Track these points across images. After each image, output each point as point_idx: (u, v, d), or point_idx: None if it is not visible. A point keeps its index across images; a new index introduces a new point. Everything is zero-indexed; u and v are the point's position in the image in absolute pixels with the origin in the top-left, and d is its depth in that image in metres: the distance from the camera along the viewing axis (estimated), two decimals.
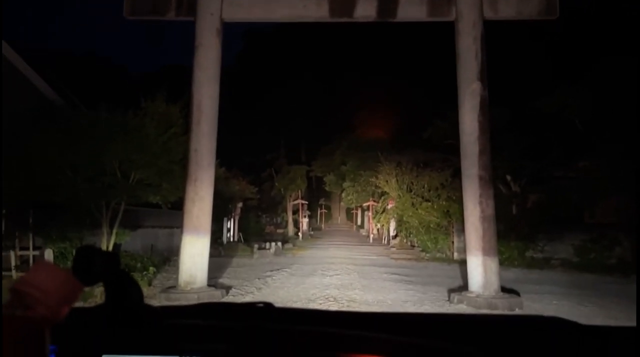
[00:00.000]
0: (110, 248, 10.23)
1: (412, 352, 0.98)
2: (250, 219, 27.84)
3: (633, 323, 6.00)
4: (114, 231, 10.41)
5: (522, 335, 1.19)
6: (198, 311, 1.24)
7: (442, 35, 11.21)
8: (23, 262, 9.67)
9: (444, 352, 0.99)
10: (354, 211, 45.98)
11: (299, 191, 37.45)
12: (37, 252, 9.79)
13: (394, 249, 21.31)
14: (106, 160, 9.89)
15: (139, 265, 11.30)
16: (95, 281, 0.89)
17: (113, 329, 0.92)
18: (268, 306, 1.25)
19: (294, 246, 24.66)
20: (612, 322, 7.44)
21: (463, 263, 10.26)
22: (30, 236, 10.01)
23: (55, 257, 9.65)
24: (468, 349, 1.01)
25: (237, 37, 49.39)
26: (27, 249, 9.83)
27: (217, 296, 9.15)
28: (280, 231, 33.89)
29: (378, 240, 29.63)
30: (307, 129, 42.29)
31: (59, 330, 0.83)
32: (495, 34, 10.77)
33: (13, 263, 9.35)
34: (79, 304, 0.90)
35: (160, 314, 0.95)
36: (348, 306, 8.64)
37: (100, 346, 0.93)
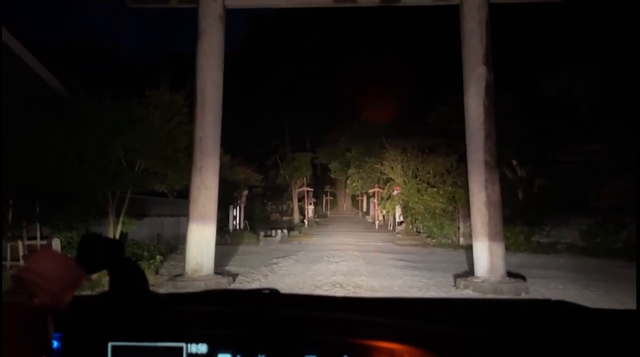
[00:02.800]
0: (117, 237, 10.27)
1: (420, 336, 0.97)
2: (255, 207, 27.90)
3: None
4: (121, 220, 10.44)
5: (529, 319, 1.19)
6: (204, 297, 1.24)
7: (448, 19, 11.10)
8: (31, 252, 9.72)
9: (451, 336, 0.99)
10: (360, 198, 45.96)
11: (304, 178, 37.45)
12: (44, 242, 9.84)
13: (400, 235, 21.32)
14: (111, 149, 9.90)
15: (145, 253, 11.35)
16: (99, 268, 0.89)
17: (118, 316, 0.92)
18: (273, 292, 1.24)
19: (299, 233, 24.72)
20: (617, 306, 7.42)
21: (469, 248, 10.25)
22: (38, 225, 10.06)
23: (62, 246, 9.70)
24: (476, 332, 1.01)
25: (241, 23, 49.13)
26: (35, 238, 9.89)
27: (223, 283, 9.19)
28: (286, 218, 33.97)
29: (384, 226, 29.65)
30: (312, 115, 42.18)
31: (64, 317, 0.82)
32: (500, 16, 10.66)
33: (21, 253, 9.41)
34: (85, 292, 0.90)
35: (166, 301, 0.95)
36: (354, 292, 8.67)
37: (106, 333, 0.93)
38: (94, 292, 0.98)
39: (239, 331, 0.94)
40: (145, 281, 0.94)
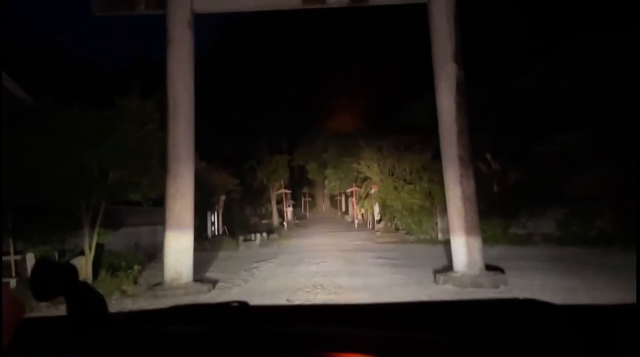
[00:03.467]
0: (93, 248, 10.10)
1: (395, 346, 0.97)
2: (234, 212, 27.71)
3: (616, 293, 6.09)
4: (96, 231, 10.28)
5: (499, 319, 1.19)
6: (169, 315, 1.21)
7: (419, 17, 11.17)
8: (5, 267, 9.51)
9: (427, 344, 0.98)
10: (338, 198, 46.09)
11: (282, 181, 37.38)
12: (18, 257, 9.64)
13: (379, 233, 21.41)
14: (82, 160, 9.73)
15: (123, 263, 11.19)
16: (54, 294, 0.87)
17: (77, 342, 0.89)
18: (243, 305, 1.22)
19: (279, 235, 24.63)
20: (594, 293, 7.58)
21: (448, 243, 10.33)
22: (11, 240, 9.84)
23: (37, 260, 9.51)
24: (450, 339, 1.00)
25: (212, 27, 48.81)
26: (8, 254, 9.67)
27: (203, 290, 9.12)
28: (265, 221, 33.84)
29: (363, 225, 29.73)
30: (287, 118, 42.09)
31: (20, 343, 0.80)
32: (473, 12, 10.79)
33: None
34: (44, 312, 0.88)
35: (127, 322, 0.93)
36: (335, 292, 8.67)
37: None
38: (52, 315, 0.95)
39: (205, 350, 0.92)
40: (103, 303, 0.91)
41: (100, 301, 0.91)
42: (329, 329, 1.02)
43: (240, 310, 1.20)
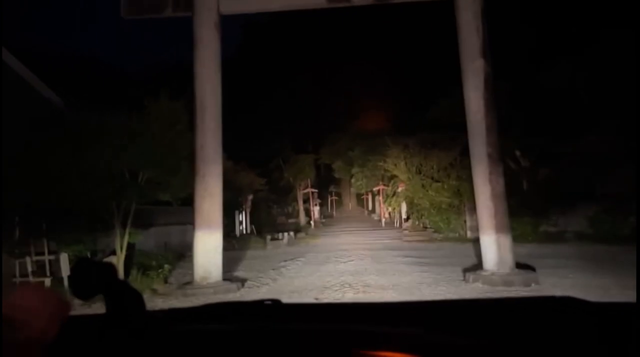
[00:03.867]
0: (124, 248, 10.28)
1: (425, 347, 0.96)
2: (261, 211, 27.88)
3: None
4: (127, 231, 10.46)
5: (535, 317, 1.17)
6: (204, 312, 1.23)
7: (444, 13, 11.06)
8: (39, 267, 9.75)
9: (463, 345, 0.97)
10: (364, 196, 45.91)
11: (308, 180, 37.44)
12: (52, 257, 9.86)
13: (407, 231, 21.28)
14: (113, 163, 9.90)
15: (153, 263, 11.37)
16: (94, 293, 0.88)
17: (115, 341, 0.91)
18: (276, 303, 1.23)
19: (306, 234, 24.71)
20: (629, 292, 7.39)
21: (477, 242, 10.22)
22: (45, 241, 10.08)
23: (70, 260, 9.71)
24: (486, 341, 0.99)
25: (238, 29, 49.18)
26: (43, 254, 9.91)
27: (232, 289, 9.20)
28: (292, 220, 33.92)
29: (390, 224, 29.60)
30: (312, 117, 42.16)
31: (60, 343, 0.81)
32: (500, 8, 10.65)
33: (29, 269, 9.43)
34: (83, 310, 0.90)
35: (164, 321, 0.94)
36: (364, 291, 8.66)
37: None
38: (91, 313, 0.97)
39: (240, 349, 0.92)
40: (141, 302, 0.93)
41: (138, 300, 0.92)
42: (363, 327, 1.02)
43: (274, 308, 1.20)
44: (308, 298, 8.25)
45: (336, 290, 8.83)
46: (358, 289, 8.87)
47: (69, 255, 9.88)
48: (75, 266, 0.91)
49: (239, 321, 1.11)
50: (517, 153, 18.65)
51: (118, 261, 10.04)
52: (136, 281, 9.65)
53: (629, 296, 7.18)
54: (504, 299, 1.94)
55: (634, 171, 15.29)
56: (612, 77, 14.18)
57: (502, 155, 9.63)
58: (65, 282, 9.13)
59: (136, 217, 10.93)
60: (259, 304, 1.23)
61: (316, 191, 39.46)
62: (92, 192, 9.66)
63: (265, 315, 1.20)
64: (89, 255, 10.54)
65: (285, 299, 1.32)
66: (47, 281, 9.24)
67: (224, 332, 0.98)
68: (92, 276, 0.88)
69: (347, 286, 9.18)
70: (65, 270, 9.23)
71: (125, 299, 0.91)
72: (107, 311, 0.91)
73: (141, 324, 0.91)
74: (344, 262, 12.46)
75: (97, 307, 0.95)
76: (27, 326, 0.75)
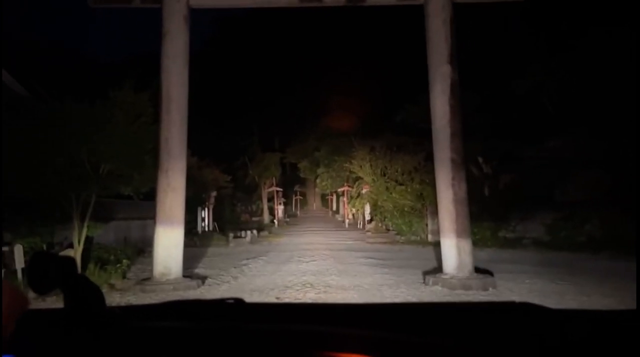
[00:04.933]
0: (82, 241, 10.04)
1: (391, 347, 0.96)
2: (225, 208, 27.67)
3: (605, 299, 6.12)
4: (86, 224, 10.20)
5: (494, 322, 1.19)
6: (165, 309, 1.20)
7: (414, 19, 11.19)
8: None
9: (423, 346, 0.98)
10: (329, 197, 46.08)
11: (274, 178, 37.37)
12: (6, 248, 9.54)
13: (370, 233, 21.43)
14: (74, 152, 9.66)
15: (112, 257, 11.13)
16: (52, 287, 0.86)
17: (74, 336, 0.88)
18: (239, 302, 1.22)
19: (269, 233, 24.63)
20: (583, 298, 7.62)
21: (438, 245, 10.36)
22: None
23: (25, 252, 9.42)
24: (446, 342, 1.00)
25: (208, 22, 48.66)
26: None
27: (192, 286, 9.09)
28: (255, 218, 33.79)
29: (353, 225, 29.76)
30: (280, 115, 42.07)
31: (17, 337, 0.79)
32: (468, 16, 10.83)
33: None
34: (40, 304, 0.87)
35: (123, 317, 0.92)
36: (325, 291, 8.67)
37: (62, 354, 0.89)
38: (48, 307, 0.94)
39: (201, 348, 0.91)
40: (101, 297, 0.90)
41: (98, 295, 0.90)
42: (325, 329, 1.02)
43: (236, 307, 1.19)
44: (269, 297, 8.22)
45: (298, 290, 8.82)
46: (319, 289, 8.87)
47: (23, 247, 9.59)
48: (32, 258, 0.88)
49: (200, 319, 1.09)
50: (480, 159, 19.00)
51: (75, 254, 9.78)
52: (93, 275, 9.42)
53: (583, 302, 7.40)
54: (464, 303, 1.97)
55: (589, 180, 15.82)
56: (580, 83, 14.58)
57: (465, 161, 9.79)
58: (19, 275, 8.86)
59: (96, 210, 10.69)
60: (221, 302, 1.22)
61: (281, 190, 39.41)
62: (51, 181, 9.40)
63: (227, 314, 1.19)
64: (44, 247, 10.25)
65: (246, 298, 1.31)
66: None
67: (185, 329, 0.97)
68: (50, 270, 0.85)
69: (308, 285, 9.17)
70: (19, 262, 8.95)
71: (84, 294, 0.88)
72: (66, 306, 0.88)
73: (101, 320, 0.88)
74: (306, 262, 12.46)
75: (52, 301, 0.93)
76: None
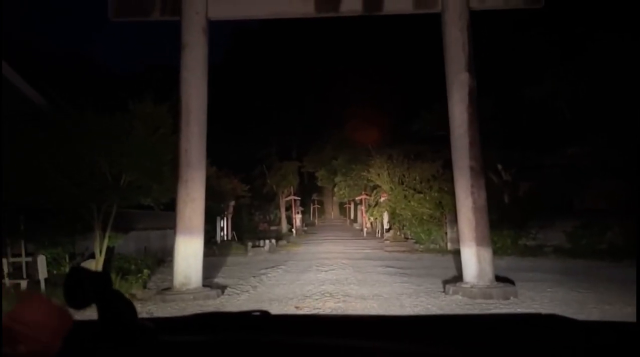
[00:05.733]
0: (103, 251, 10.16)
1: None
2: (243, 217, 27.78)
3: (627, 307, 6.02)
4: (107, 235, 10.33)
5: (520, 334, 1.19)
6: (193, 322, 1.22)
7: (431, 27, 11.19)
8: (16, 269, 9.58)
9: None
10: (347, 205, 46.03)
11: (291, 187, 37.43)
12: (29, 259, 9.69)
13: (388, 241, 21.34)
14: (95, 163, 9.80)
15: (133, 267, 11.25)
16: (88, 303, 0.88)
17: (106, 348, 0.90)
18: (264, 314, 1.23)
19: (288, 242, 24.66)
20: (605, 307, 7.51)
21: (457, 253, 10.29)
22: (22, 242, 9.91)
23: (47, 262, 9.57)
24: (469, 354, 1.01)
25: (227, 34, 49.23)
26: (20, 255, 9.74)
27: (212, 295, 9.14)
28: (273, 227, 33.86)
29: (372, 233, 29.68)
30: (298, 125, 42.26)
31: (67, 351, 0.81)
32: (483, 23, 10.80)
33: (6, 270, 9.26)
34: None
35: (155, 330, 0.94)
36: (344, 300, 8.65)
37: None
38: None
39: None
40: (134, 312, 0.93)
41: (131, 309, 0.92)
42: (350, 342, 1.03)
43: (262, 319, 1.21)
44: (288, 307, 8.23)
45: (317, 299, 8.82)
46: (339, 298, 8.85)
47: (46, 257, 9.74)
48: (69, 274, 0.91)
49: (227, 332, 1.11)
50: (499, 167, 18.85)
51: (97, 264, 9.91)
52: (115, 285, 9.50)
53: (606, 311, 7.28)
54: (489, 315, 1.97)
55: (609, 188, 15.61)
56: (597, 89, 14.44)
57: (484, 169, 9.73)
58: (42, 285, 8.99)
59: (116, 220, 10.82)
60: (247, 314, 1.24)
61: (299, 198, 39.46)
62: (72, 192, 9.54)
63: (253, 326, 1.20)
64: (67, 258, 10.39)
65: (265, 307, 1.33)
66: (24, 283, 9.09)
67: (213, 342, 0.98)
68: (86, 285, 0.88)
69: (327, 295, 9.16)
70: (42, 272, 9.09)
71: (118, 308, 0.91)
72: (100, 319, 0.90)
73: (133, 334, 0.90)
74: (325, 271, 12.45)
75: (85, 313, 0.95)
76: (30, 340, 0.74)
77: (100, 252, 10.10)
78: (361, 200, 32.39)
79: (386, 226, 24.74)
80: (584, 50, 15.40)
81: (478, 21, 9.95)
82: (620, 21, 14.67)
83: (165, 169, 10.64)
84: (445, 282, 9.64)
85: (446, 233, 18.43)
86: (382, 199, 22.06)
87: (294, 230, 33.70)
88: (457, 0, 9.41)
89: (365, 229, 31.64)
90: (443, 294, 9.10)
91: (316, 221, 49.74)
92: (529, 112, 16.98)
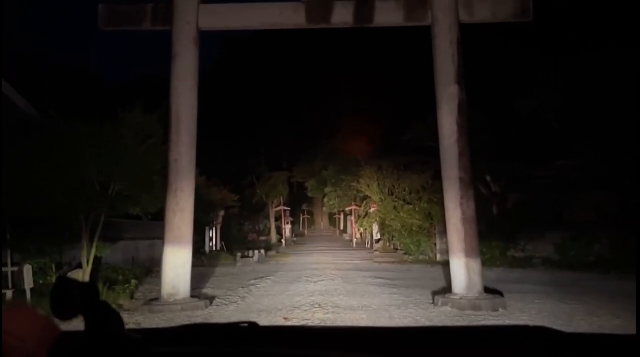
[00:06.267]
0: (91, 261, 10.06)
1: None
2: (232, 228, 27.67)
3: (615, 320, 6.06)
4: (94, 244, 10.25)
5: (509, 346, 1.19)
6: (181, 333, 1.22)
7: (421, 39, 11.28)
8: (1, 279, 9.45)
9: None
10: (337, 216, 46.01)
11: (281, 198, 37.38)
12: (15, 268, 9.58)
13: (378, 252, 21.35)
14: (84, 173, 9.74)
15: (120, 278, 11.15)
16: (74, 314, 0.87)
17: None
18: (253, 325, 1.23)
19: (277, 253, 24.58)
20: (593, 319, 7.54)
21: (446, 265, 10.30)
22: (9, 252, 9.79)
23: (34, 272, 9.46)
24: None
25: (217, 44, 49.28)
26: (5, 265, 9.62)
27: (200, 306, 9.07)
28: (263, 238, 33.74)
29: (361, 244, 29.66)
30: (288, 135, 42.29)
31: None
32: (472, 36, 10.91)
33: None
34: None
35: (142, 342, 0.93)
36: (333, 311, 8.63)
37: None
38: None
39: None
40: (121, 323, 0.92)
41: (118, 321, 0.91)
42: (339, 353, 1.03)
43: (251, 331, 1.20)
44: (277, 318, 8.19)
45: (306, 310, 8.78)
46: (328, 309, 8.82)
47: (33, 267, 9.62)
48: (55, 284, 0.90)
49: (215, 343, 1.10)
50: (488, 178, 18.96)
51: (84, 274, 9.82)
52: (102, 295, 9.42)
53: (593, 323, 7.32)
54: (477, 327, 1.97)
55: (598, 200, 15.75)
56: (585, 102, 14.59)
57: (473, 180, 9.78)
58: (28, 295, 8.88)
59: (104, 230, 10.74)
60: (235, 326, 1.23)
61: (289, 209, 39.39)
62: (60, 201, 9.46)
63: (241, 338, 1.20)
64: (54, 267, 10.28)
65: (254, 318, 1.33)
66: (9, 293, 8.97)
67: (201, 354, 0.98)
68: (73, 296, 0.87)
69: (316, 306, 9.13)
70: (28, 282, 8.98)
71: (105, 319, 0.90)
72: (87, 330, 0.89)
73: (121, 345, 0.90)
74: (314, 282, 12.41)
75: (72, 324, 0.94)
76: (15, 351, 0.74)
77: (88, 262, 10.01)
78: (351, 211, 32.41)
79: (376, 237, 24.75)
80: (572, 61, 15.57)
81: (470, 34, 10.06)
82: (608, 33, 14.89)
83: (156, 178, 10.59)
84: (435, 294, 9.64)
85: (435, 244, 18.46)
86: (371, 210, 22.09)
87: (283, 240, 33.63)
88: (447, 13, 9.51)
89: (355, 240, 31.61)
90: (432, 305, 9.10)
91: (306, 231, 49.65)
92: (518, 124, 17.12)
